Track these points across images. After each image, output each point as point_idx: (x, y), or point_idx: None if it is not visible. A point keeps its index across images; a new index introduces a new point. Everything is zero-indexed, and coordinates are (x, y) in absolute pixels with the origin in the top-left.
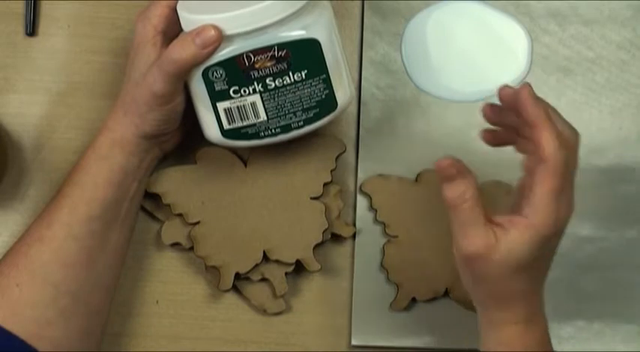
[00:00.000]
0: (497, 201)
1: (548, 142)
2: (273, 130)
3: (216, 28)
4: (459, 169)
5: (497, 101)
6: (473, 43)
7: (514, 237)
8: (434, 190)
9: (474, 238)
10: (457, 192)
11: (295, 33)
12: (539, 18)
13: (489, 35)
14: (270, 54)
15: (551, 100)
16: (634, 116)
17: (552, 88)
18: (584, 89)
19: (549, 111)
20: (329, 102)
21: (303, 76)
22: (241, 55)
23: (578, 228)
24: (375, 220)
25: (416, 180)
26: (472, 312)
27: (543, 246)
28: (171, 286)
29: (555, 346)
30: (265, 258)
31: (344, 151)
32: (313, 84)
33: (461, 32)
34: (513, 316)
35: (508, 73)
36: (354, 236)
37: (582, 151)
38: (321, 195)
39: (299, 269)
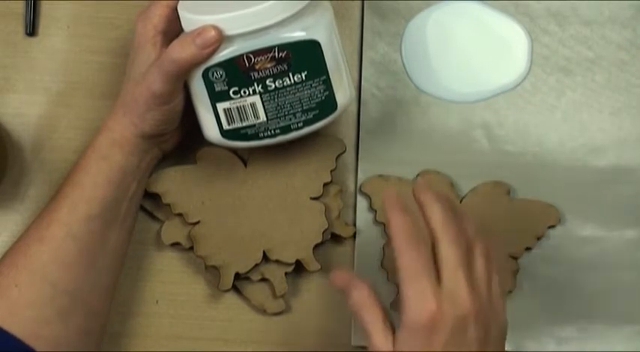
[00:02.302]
0: (497, 201)
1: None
2: (272, 131)
3: (216, 28)
4: (350, 279)
5: (497, 101)
6: (473, 43)
7: (401, 338)
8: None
9: (374, 340)
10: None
11: (296, 34)
12: (539, 18)
13: (489, 35)
14: (270, 55)
15: (551, 100)
16: (634, 116)
17: (552, 88)
18: (584, 89)
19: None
20: (329, 104)
21: (303, 77)
22: (241, 55)
23: (578, 228)
24: (375, 220)
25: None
26: None
27: (435, 340)
28: (171, 286)
29: (556, 346)
30: (265, 257)
31: (344, 151)
32: (313, 85)
33: (461, 32)
34: None
35: (508, 74)
36: (354, 236)
37: (582, 151)
38: (321, 195)
39: (299, 269)
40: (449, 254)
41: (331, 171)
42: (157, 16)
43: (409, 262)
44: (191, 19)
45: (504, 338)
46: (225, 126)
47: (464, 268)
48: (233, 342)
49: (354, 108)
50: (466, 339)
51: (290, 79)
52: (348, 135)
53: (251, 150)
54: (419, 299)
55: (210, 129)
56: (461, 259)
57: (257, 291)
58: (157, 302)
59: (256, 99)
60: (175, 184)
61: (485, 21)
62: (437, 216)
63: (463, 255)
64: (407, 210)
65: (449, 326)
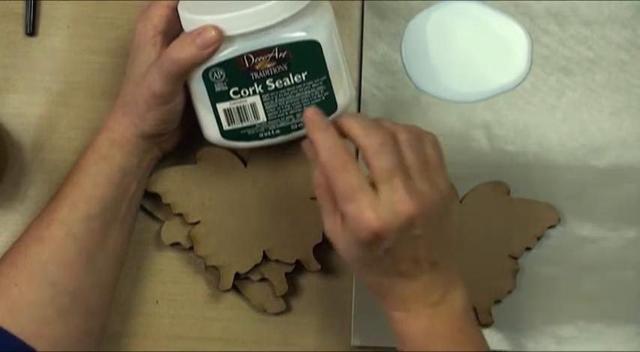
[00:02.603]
0: (497, 201)
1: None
2: (272, 131)
3: (216, 28)
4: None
5: (497, 101)
6: (473, 43)
7: (346, 244)
8: None
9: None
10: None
11: (296, 34)
12: (539, 18)
13: (489, 35)
14: (270, 55)
15: (551, 100)
16: (634, 116)
17: (552, 87)
18: (584, 89)
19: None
20: (329, 104)
21: (304, 78)
22: (242, 56)
23: (578, 228)
24: None
25: None
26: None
27: (379, 247)
28: (171, 286)
29: (556, 346)
30: (265, 257)
31: None
32: (313, 85)
33: (461, 32)
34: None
35: (508, 74)
36: None
37: (582, 151)
38: None
39: (299, 269)
40: (378, 163)
41: None
42: (157, 16)
43: (341, 183)
44: (191, 19)
45: (451, 209)
46: (226, 126)
47: (396, 171)
48: (233, 342)
49: (354, 108)
50: (411, 238)
51: (290, 80)
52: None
53: (251, 151)
54: (358, 219)
55: (211, 130)
56: (391, 163)
57: (257, 291)
58: (157, 302)
59: (256, 99)
60: (175, 184)
61: (485, 21)
62: (355, 128)
63: (392, 158)
64: (329, 126)
65: (392, 236)
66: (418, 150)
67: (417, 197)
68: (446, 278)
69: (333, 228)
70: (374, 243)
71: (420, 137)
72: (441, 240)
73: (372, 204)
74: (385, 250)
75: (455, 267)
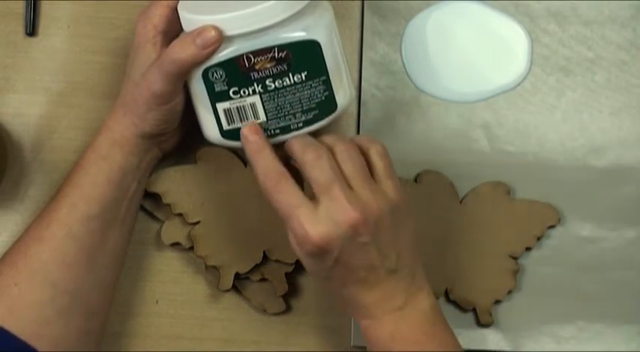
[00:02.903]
0: (497, 201)
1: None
2: (272, 131)
3: (216, 28)
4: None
5: (497, 101)
6: (473, 43)
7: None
8: (433, 190)
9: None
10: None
11: (296, 34)
12: (539, 18)
13: (489, 36)
14: (270, 55)
15: (551, 100)
16: (634, 116)
17: (552, 87)
18: (584, 89)
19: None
20: (329, 104)
21: (303, 78)
22: (241, 55)
23: (578, 228)
24: None
25: (415, 180)
26: (471, 312)
27: (326, 259)
28: (171, 286)
29: (556, 346)
30: (265, 257)
31: None
32: (313, 85)
33: (461, 33)
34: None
35: (508, 74)
36: None
37: (582, 151)
38: None
39: (299, 269)
40: (315, 175)
41: None
42: (157, 16)
43: (278, 203)
44: (191, 19)
45: (404, 214)
46: (225, 126)
47: (334, 182)
48: (233, 342)
49: (354, 108)
50: (359, 246)
51: (290, 79)
52: (348, 135)
53: None
54: (299, 233)
55: (210, 130)
56: (327, 174)
57: (257, 291)
58: (157, 302)
59: (256, 99)
60: (175, 184)
61: (485, 21)
62: (294, 147)
63: (327, 170)
64: (264, 147)
65: (337, 245)
66: (357, 160)
67: (359, 205)
68: (407, 283)
69: (293, 244)
70: (320, 254)
71: (364, 147)
72: (396, 246)
73: (310, 218)
74: (335, 260)
75: (420, 272)
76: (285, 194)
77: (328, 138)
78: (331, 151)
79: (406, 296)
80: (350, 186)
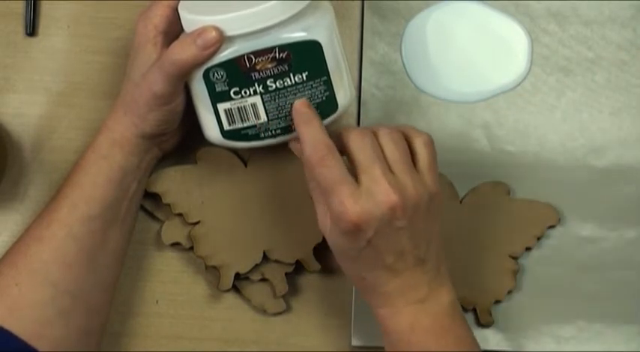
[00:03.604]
0: (497, 201)
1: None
2: (273, 131)
3: (217, 29)
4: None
5: (497, 101)
6: (473, 43)
7: (330, 233)
8: None
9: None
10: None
11: (296, 34)
12: (539, 18)
13: (489, 35)
14: (271, 55)
15: (551, 100)
16: (634, 116)
17: (552, 87)
18: (584, 89)
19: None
20: (329, 104)
21: (304, 78)
22: (242, 56)
23: (578, 228)
24: None
25: None
26: (470, 312)
27: (360, 237)
28: (171, 286)
29: (556, 346)
30: (265, 257)
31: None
32: (314, 85)
33: (461, 32)
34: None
35: (508, 74)
36: None
37: (582, 151)
38: None
39: (299, 269)
40: (357, 155)
41: None
42: (158, 16)
43: (322, 177)
44: (192, 19)
45: (439, 206)
46: (226, 126)
47: (377, 161)
48: (233, 342)
49: (354, 108)
50: (394, 230)
51: (291, 80)
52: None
53: (251, 151)
54: (339, 210)
55: (211, 130)
56: (371, 154)
57: (257, 291)
58: (157, 302)
59: (257, 99)
60: (175, 184)
61: (485, 21)
62: (343, 129)
63: (370, 150)
64: (313, 119)
65: (374, 225)
66: (400, 145)
67: (399, 189)
68: (432, 276)
69: (323, 221)
70: (355, 232)
71: (411, 136)
72: (428, 237)
73: (352, 195)
74: (367, 241)
75: (444, 267)
76: (330, 168)
77: (373, 125)
78: (375, 135)
79: (429, 289)
80: (391, 170)
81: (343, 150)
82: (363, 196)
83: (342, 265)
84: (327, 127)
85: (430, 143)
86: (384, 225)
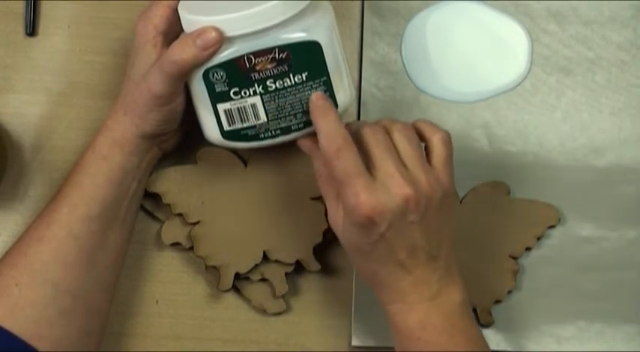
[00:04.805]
0: (497, 201)
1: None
2: (273, 132)
3: (217, 29)
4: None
5: (497, 101)
6: (473, 43)
7: (344, 227)
8: None
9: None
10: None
11: (296, 35)
12: (539, 18)
13: (489, 36)
14: (270, 56)
15: (551, 100)
16: (634, 116)
17: (552, 88)
18: (584, 89)
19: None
20: None
21: (304, 78)
22: (242, 56)
23: (578, 228)
24: None
25: None
26: (471, 312)
27: (373, 231)
28: (171, 286)
29: (556, 346)
30: (265, 257)
31: None
32: (314, 86)
33: (461, 33)
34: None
35: (508, 74)
36: None
37: (582, 151)
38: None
39: (299, 269)
40: (373, 148)
41: None
42: (158, 16)
43: (337, 169)
44: (191, 19)
45: (452, 204)
46: (226, 126)
47: (390, 156)
48: (233, 342)
49: (354, 108)
50: (407, 224)
51: (290, 80)
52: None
53: (251, 151)
54: (353, 202)
55: (211, 130)
56: (385, 149)
57: (257, 291)
58: (157, 302)
59: (257, 100)
60: (175, 184)
61: (485, 21)
62: (356, 123)
63: (384, 145)
64: (330, 111)
65: (388, 218)
66: (413, 141)
67: (413, 183)
68: (443, 274)
69: (334, 215)
70: (369, 225)
71: (428, 132)
72: (440, 233)
73: (367, 188)
74: (381, 235)
75: (455, 265)
76: (346, 160)
77: (386, 120)
78: (388, 131)
79: (439, 287)
80: (404, 165)
81: (357, 144)
82: (377, 189)
83: (354, 260)
84: None
85: (447, 140)
86: (397, 218)
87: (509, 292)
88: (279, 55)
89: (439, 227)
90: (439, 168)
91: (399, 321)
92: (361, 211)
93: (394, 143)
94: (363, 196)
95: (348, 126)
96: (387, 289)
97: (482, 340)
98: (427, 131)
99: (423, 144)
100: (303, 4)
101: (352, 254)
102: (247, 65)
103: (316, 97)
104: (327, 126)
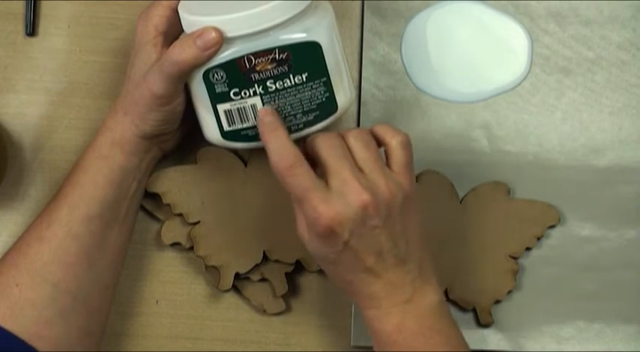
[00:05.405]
0: (497, 201)
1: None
2: None
3: (217, 30)
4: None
5: (497, 101)
6: (473, 43)
7: (308, 239)
8: (433, 190)
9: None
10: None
11: (296, 35)
12: (539, 18)
13: (489, 36)
14: (271, 56)
15: (551, 100)
16: (634, 116)
17: (552, 88)
18: (584, 89)
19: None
20: (329, 105)
21: (304, 79)
22: (242, 57)
23: (578, 228)
24: None
25: (415, 180)
26: (470, 312)
27: (335, 241)
28: (171, 286)
29: (556, 346)
30: (265, 258)
31: None
32: (314, 87)
33: (461, 33)
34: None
35: (508, 74)
36: None
37: (582, 151)
38: None
39: (299, 269)
40: (325, 158)
41: None
42: (158, 16)
43: (291, 186)
44: (192, 20)
45: (415, 207)
46: (226, 127)
47: (346, 162)
48: (233, 342)
49: (354, 108)
50: (369, 229)
51: (291, 81)
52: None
53: (251, 151)
54: (313, 215)
55: (211, 131)
56: (340, 155)
57: (257, 291)
58: (157, 302)
59: (257, 100)
60: (175, 184)
61: (485, 21)
62: (311, 136)
63: (338, 152)
64: (278, 127)
65: (348, 227)
66: (369, 145)
67: (370, 188)
68: (416, 276)
69: (300, 228)
70: (330, 236)
71: (388, 136)
72: (407, 236)
73: (323, 200)
74: (344, 243)
75: (428, 265)
76: (298, 177)
77: (342, 130)
78: (343, 138)
79: (413, 289)
80: (361, 170)
81: (312, 156)
82: (334, 199)
83: (325, 270)
84: (328, 127)
85: (407, 143)
86: (358, 225)
87: (509, 292)
88: (279, 55)
89: (404, 230)
90: (399, 171)
91: (376, 326)
92: (321, 223)
93: (350, 149)
94: (321, 208)
95: (304, 140)
96: (360, 295)
97: (462, 340)
98: (386, 135)
99: (383, 149)
100: (304, 5)
101: (321, 264)
102: (247, 66)
103: (264, 113)
104: (276, 144)
